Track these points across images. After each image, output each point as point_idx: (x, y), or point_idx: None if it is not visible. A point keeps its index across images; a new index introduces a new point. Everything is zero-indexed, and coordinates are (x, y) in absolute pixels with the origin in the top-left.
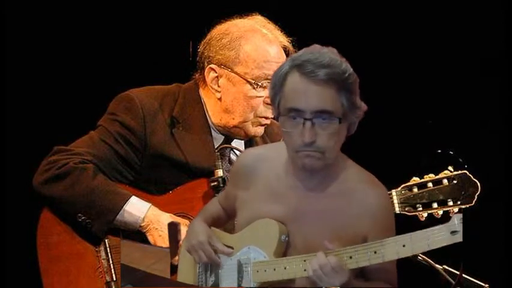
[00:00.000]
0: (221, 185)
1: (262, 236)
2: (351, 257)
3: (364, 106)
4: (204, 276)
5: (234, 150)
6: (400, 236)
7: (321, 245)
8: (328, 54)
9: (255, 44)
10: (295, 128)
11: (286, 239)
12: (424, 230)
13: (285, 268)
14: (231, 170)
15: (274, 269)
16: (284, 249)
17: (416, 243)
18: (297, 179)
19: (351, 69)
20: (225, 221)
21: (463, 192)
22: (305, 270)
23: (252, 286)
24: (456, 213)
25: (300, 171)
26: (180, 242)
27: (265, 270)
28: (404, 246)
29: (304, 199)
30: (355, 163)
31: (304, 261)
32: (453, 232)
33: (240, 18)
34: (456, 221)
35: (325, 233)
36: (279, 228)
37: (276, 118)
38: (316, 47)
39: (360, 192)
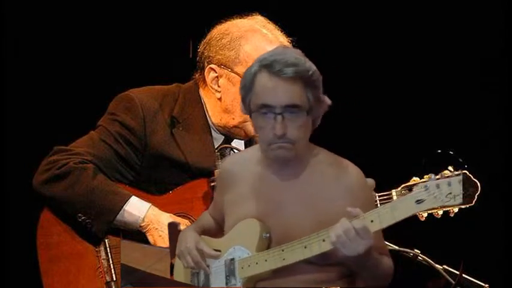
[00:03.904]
0: None
1: (245, 235)
2: (324, 240)
3: (327, 101)
4: (196, 279)
5: (234, 150)
6: (368, 212)
7: (302, 232)
8: (293, 54)
9: (255, 44)
10: (267, 122)
11: (268, 235)
12: (390, 202)
13: (266, 260)
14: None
15: (257, 263)
16: (267, 245)
17: (383, 216)
18: (271, 173)
19: (315, 68)
20: (216, 232)
21: (463, 192)
22: (284, 259)
23: (238, 282)
24: (422, 181)
25: (274, 164)
26: None
27: (248, 266)
28: (372, 221)
29: (280, 190)
30: (323, 149)
31: (283, 250)
32: (418, 201)
33: (240, 18)
34: (419, 189)
35: (305, 219)
36: (259, 226)
37: (250, 115)
38: (281, 48)
39: (331, 174)
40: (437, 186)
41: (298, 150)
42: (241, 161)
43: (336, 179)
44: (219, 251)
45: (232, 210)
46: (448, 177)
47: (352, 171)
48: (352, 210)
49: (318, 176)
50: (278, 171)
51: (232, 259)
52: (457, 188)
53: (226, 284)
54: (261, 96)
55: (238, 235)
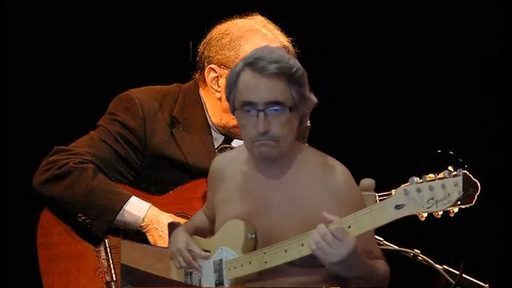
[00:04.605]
0: None
1: (231, 236)
2: (302, 245)
3: (314, 99)
4: (189, 278)
5: None
6: (346, 216)
7: (289, 233)
8: (277, 52)
9: (255, 44)
10: (250, 120)
11: (253, 236)
12: (369, 207)
13: (250, 263)
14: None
15: (241, 265)
16: (253, 246)
17: (361, 222)
18: (258, 172)
19: (299, 65)
20: (210, 230)
21: (463, 192)
22: (266, 262)
23: (226, 283)
24: (403, 185)
25: (259, 162)
26: None
27: (235, 267)
28: (350, 227)
29: (267, 189)
30: (311, 147)
31: (265, 253)
32: (397, 206)
33: (240, 18)
34: (399, 194)
35: (291, 220)
36: (244, 227)
37: (233, 114)
38: (266, 46)
39: (318, 174)
40: (418, 190)
41: (283, 147)
42: (231, 160)
43: (322, 179)
44: (209, 251)
45: (221, 210)
46: (431, 180)
47: (339, 171)
48: (327, 216)
49: (304, 176)
50: (264, 170)
51: (220, 260)
52: (440, 193)
53: (216, 284)
54: (244, 93)
55: (225, 236)
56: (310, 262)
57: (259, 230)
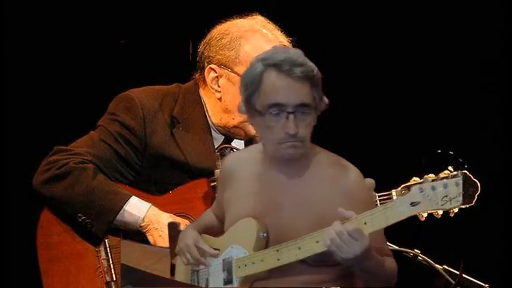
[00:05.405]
0: None
1: (242, 234)
2: (317, 241)
3: (326, 100)
4: (196, 276)
5: (234, 150)
6: (362, 213)
7: (300, 232)
8: (297, 53)
9: (254, 44)
10: (277, 121)
11: (265, 235)
12: (384, 204)
13: (262, 260)
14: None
15: (253, 263)
16: (264, 245)
17: (376, 219)
18: (271, 172)
19: (316, 67)
20: (219, 230)
21: (463, 192)
22: (278, 259)
23: (235, 282)
24: (416, 183)
25: (275, 163)
26: None
27: (245, 265)
28: (365, 223)
29: (280, 190)
30: (323, 149)
31: (277, 251)
32: (413, 203)
33: (240, 18)
34: (415, 192)
35: (303, 220)
36: (256, 225)
37: (251, 115)
38: (280, 47)
39: (331, 175)
40: (433, 188)
41: (307, 148)
42: (241, 160)
43: (335, 180)
44: (218, 249)
45: (231, 209)
46: (445, 178)
47: (352, 172)
48: (344, 212)
49: (317, 177)
50: (278, 171)
51: (230, 258)
52: (454, 191)
53: (224, 283)
54: (271, 95)
55: (236, 234)
56: (320, 261)
57: (270, 230)
